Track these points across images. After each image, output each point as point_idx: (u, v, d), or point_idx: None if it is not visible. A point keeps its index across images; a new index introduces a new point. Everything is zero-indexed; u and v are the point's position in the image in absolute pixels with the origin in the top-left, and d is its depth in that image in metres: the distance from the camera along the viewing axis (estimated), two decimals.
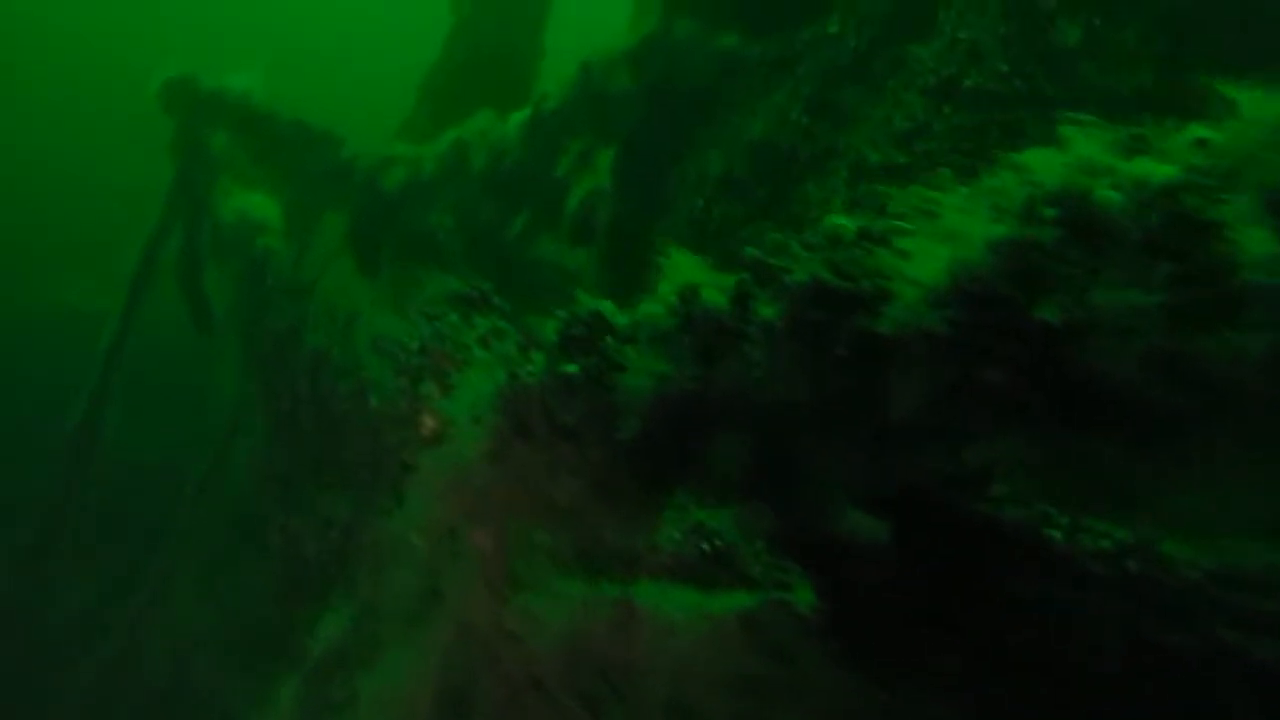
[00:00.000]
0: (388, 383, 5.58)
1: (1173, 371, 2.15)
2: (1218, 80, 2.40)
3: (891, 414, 2.34)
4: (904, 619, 2.35)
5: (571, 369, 3.05)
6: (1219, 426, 2.16)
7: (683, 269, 3.08)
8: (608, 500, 2.89)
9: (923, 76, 5.65)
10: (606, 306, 3.21)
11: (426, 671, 3.65)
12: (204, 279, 10.53)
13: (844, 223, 2.70)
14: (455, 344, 3.76)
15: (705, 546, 2.92)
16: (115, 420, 10.38)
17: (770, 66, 7.06)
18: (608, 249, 8.95)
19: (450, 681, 3.59)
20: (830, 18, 6.80)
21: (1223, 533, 2.19)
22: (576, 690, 3.12)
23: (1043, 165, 2.52)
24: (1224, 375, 2.13)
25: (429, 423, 3.60)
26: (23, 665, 12.17)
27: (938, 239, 2.45)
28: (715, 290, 2.94)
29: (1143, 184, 2.34)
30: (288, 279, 8.17)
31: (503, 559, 3.58)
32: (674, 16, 7.88)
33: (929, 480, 2.32)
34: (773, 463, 2.60)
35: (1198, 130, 2.40)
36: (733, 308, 2.83)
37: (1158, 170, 2.33)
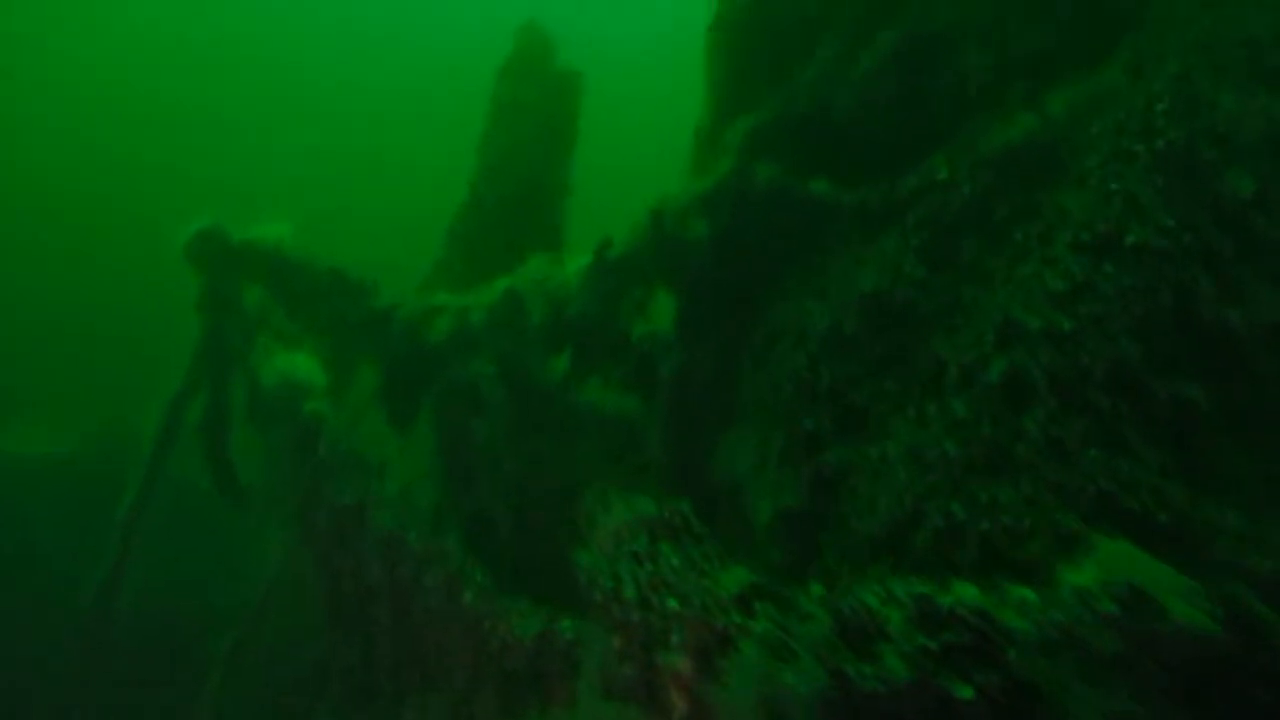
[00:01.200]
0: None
1: None
2: None
3: None
4: None
5: (964, 693, 2.41)
6: None
7: (1111, 558, 2.49)
8: None
9: (1070, 230, 5.21)
10: (987, 600, 2.60)
11: None
12: (230, 443, 9.90)
13: None
14: (700, 603, 3.16)
15: None
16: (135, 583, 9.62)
17: (872, 214, 6.65)
18: (673, 401, 8.43)
19: None
20: (936, 164, 6.43)
21: None
22: None
23: None
24: None
25: (680, 705, 2.97)
26: None
27: None
28: (1182, 601, 2.33)
29: None
30: (346, 450, 7.55)
31: None
32: (752, 160, 7.50)
33: None
34: None
35: None
36: (1230, 633, 2.23)
37: None
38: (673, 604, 3.27)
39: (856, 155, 7.20)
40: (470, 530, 8.20)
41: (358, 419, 9.38)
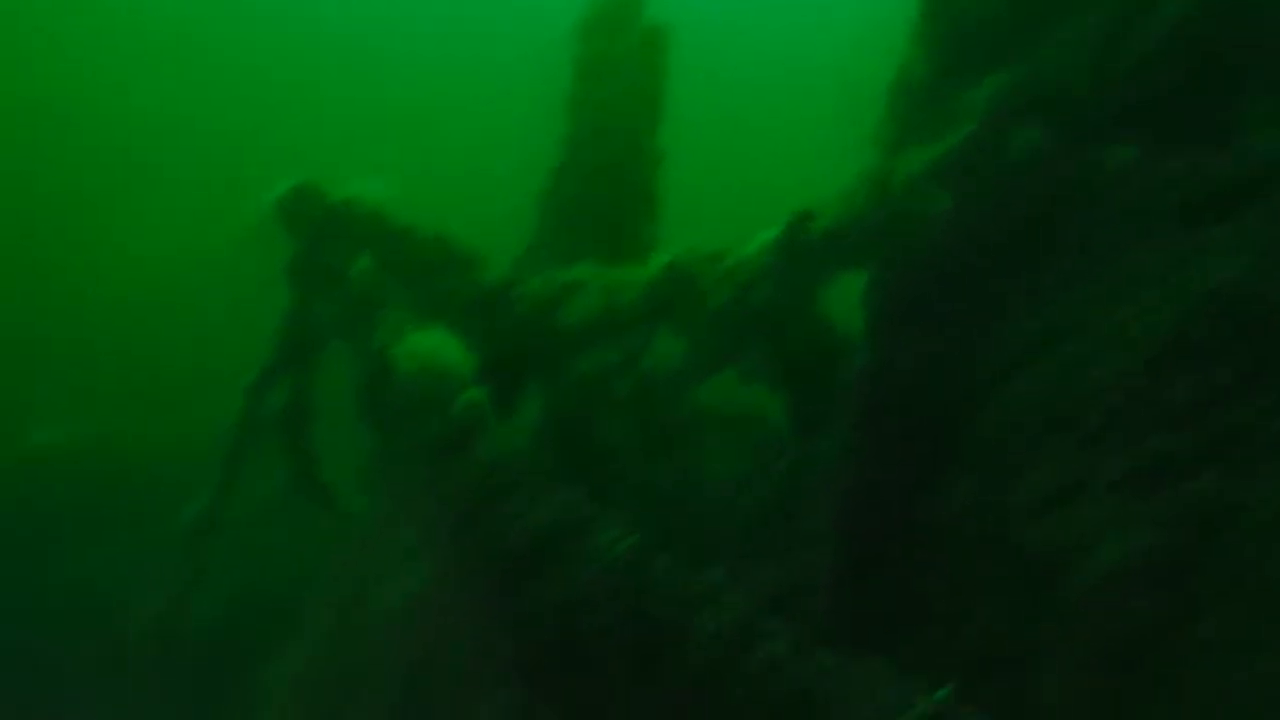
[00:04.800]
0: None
1: None
2: None
3: None
4: None
5: None
6: None
7: None
8: None
9: None
10: None
11: None
12: (313, 434, 8.48)
13: None
14: None
15: None
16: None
17: (1209, 190, 5.48)
18: (867, 404, 7.21)
19: None
20: None
21: None
22: None
23: None
24: None
25: None
26: None
27: None
28: None
29: None
30: (519, 456, 6.17)
31: None
32: (1007, 120, 6.29)
33: None
34: None
35: None
36: None
37: None
38: None
39: (1141, 123, 6.04)
40: None
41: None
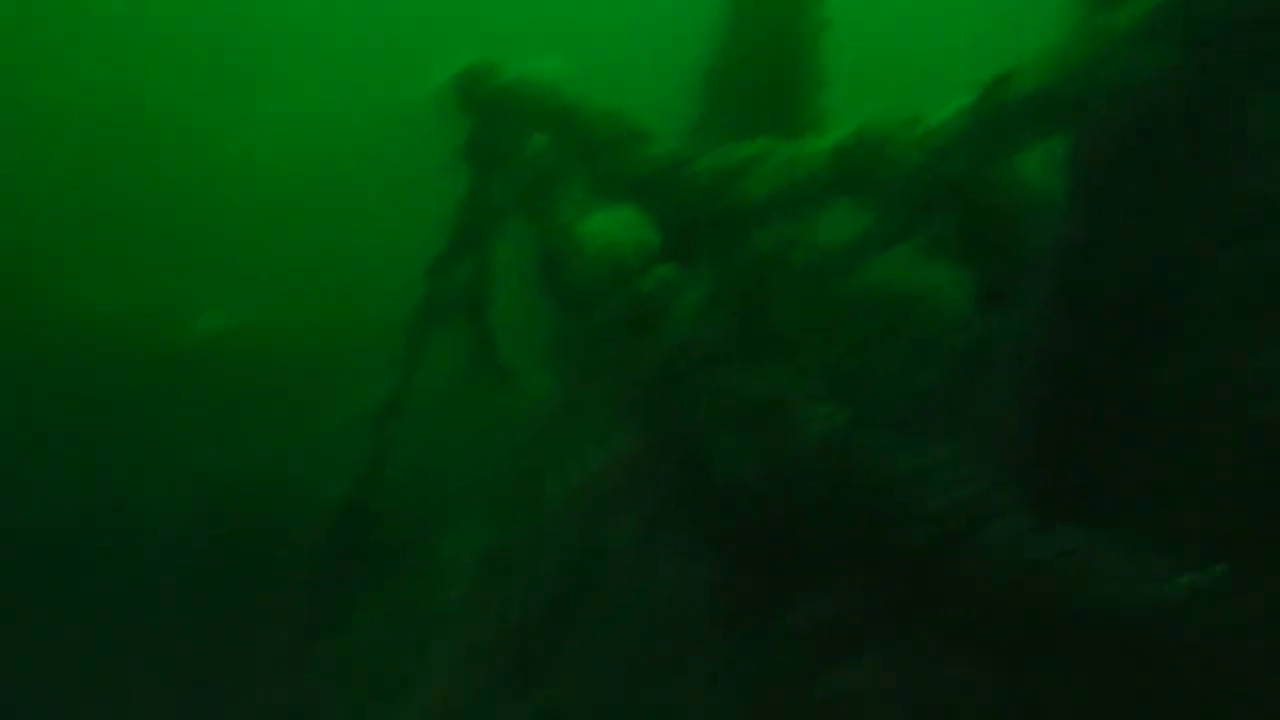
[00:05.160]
0: None
1: None
2: None
3: None
4: None
5: None
6: None
7: None
8: None
9: None
10: None
11: None
12: (492, 315, 8.61)
13: None
14: None
15: None
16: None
17: None
18: (1065, 284, 6.88)
19: None
20: None
21: None
22: None
23: None
24: None
25: None
26: None
27: None
28: None
29: None
30: (708, 335, 6.08)
31: None
32: None
33: None
34: None
35: None
36: None
37: None
38: None
39: None
40: None
41: None
